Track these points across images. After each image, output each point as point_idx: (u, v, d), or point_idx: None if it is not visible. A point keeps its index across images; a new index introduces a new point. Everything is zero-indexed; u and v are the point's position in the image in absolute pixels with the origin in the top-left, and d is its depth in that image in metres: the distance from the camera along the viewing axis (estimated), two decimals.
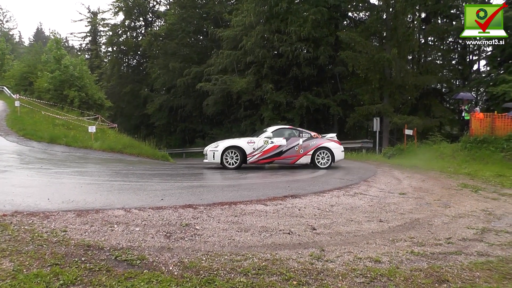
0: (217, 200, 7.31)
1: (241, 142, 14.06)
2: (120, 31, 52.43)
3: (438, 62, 34.79)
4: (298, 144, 14.43)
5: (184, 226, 5.61)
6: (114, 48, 53.38)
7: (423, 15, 33.24)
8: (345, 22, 35.76)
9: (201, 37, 45.21)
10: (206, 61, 37.63)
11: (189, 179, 11.22)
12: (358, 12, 35.53)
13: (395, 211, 7.51)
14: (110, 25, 54.01)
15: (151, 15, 52.60)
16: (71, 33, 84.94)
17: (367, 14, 33.79)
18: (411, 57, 32.67)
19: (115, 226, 5.53)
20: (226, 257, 4.56)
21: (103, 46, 59.50)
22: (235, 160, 13.76)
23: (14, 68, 44.52)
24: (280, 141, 14.30)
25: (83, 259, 4.37)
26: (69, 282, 3.83)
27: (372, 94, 29.04)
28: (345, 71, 30.53)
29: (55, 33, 49.16)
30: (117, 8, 50.52)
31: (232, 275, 4.11)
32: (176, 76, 39.91)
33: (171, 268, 4.21)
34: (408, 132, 21.27)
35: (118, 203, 6.78)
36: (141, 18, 52.51)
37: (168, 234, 5.27)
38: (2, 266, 4.14)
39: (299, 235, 5.60)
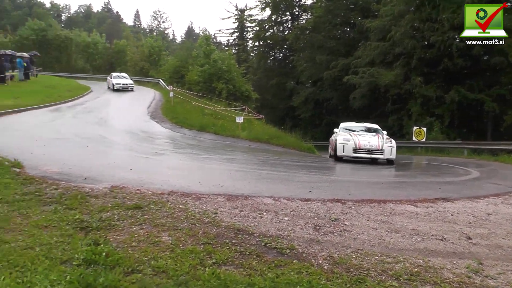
0: (366, 196, 7.08)
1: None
2: (267, 26, 53.83)
3: None
4: None
5: (333, 221, 5.52)
6: (261, 43, 55.04)
7: None
8: None
9: (348, 29, 44.52)
10: (353, 53, 36.93)
11: (335, 173, 11.15)
12: None
13: None
14: (257, 20, 55.77)
15: (297, 9, 53.11)
16: (219, 30, 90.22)
17: None
18: None
19: (264, 213, 5.66)
20: (377, 258, 4.37)
21: (250, 41, 61.65)
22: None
23: (169, 63, 49.09)
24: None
25: (233, 241, 4.54)
26: (221, 261, 4.01)
27: None
28: (504, 62, 27.30)
29: (204, 31, 52.53)
30: (264, 4, 51.91)
31: (383, 277, 3.93)
32: (322, 69, 39.82)
33: (320, 261, 4.16)
34: None
35: (266, 191, 6.94)
36: (287, 13, 53.29)
37: (317, 227, 5.23)
38: (162, 239, 4.50)
39: (453, 242, 5.14)
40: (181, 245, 4.36)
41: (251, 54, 60.68)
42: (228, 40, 66.00)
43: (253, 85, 42.47)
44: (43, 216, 5.08)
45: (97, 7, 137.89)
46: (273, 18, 53.17)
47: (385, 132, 15.50)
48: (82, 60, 62.55)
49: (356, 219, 5.69)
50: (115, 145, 13.03)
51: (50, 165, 8.29)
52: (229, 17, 60.80)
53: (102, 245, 4.15)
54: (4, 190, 6.08)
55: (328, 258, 4.25)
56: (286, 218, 5.49)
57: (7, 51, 36.03)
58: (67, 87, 33.88)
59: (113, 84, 36.10)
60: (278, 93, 48.96)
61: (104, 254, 3.90)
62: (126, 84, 36.13)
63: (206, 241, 4.50)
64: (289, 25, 53.15)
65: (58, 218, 5.00)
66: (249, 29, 61.01)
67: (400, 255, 4.50)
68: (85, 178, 7.26)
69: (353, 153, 13.51)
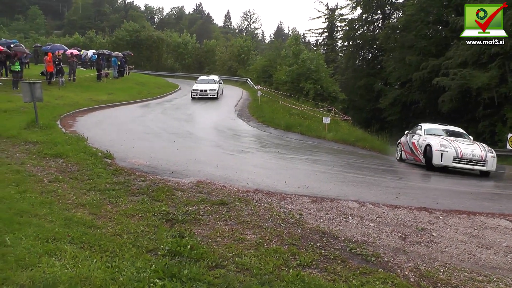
0: (454, 207, 6.75)
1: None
2: (357, 26, 52.80)
3: None
4: None
5: (419, 230, 5.34)
6: (350, 42, 54.02)
7: None
8: None
9: (440, 28, 42.48)
10: (445, 54, 35.24)
11: (422, 179, 10.74)
12: None
13: None
14: (347, 20, 54.76)
15: (388, 7, 51.60)
16: (309, 30, 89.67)
17: None
18: None
19: (350, 218, 5.59)
20: (466, 274, 4.15)
21: (339, 41, 60.77)
22: None
23: (257, 62, 49.89)
24: None
25: (318, 244, 4.55)
26: (305, 264, 4.04)
27: None
28: None
29: (294, 30, 52.41)
30: (355, 3, 50.97)
31: None
32: (412, 70, 38.38)
33: (406, 272, 4.04)
34: None
35: (352, 195, 6.87)
36: (378, 11, 51.94)
37: (403, 236, 5.09)
38: (247, 237, 4.61)
39: None
40: (265, 244, 4.43)
41: (340, 54, 59.92)
42: (317, 40, 65.21)
43: (340, 85, 41.95)
44: (131, 205, 5.42)
45: (189, 9, 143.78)
46: (363, 17, 52.04)
47: (471, 138, 13.80)
48: (172, 59, 65.28)
49: (443, 231, 5.46)
50: (201, 141, 13.43)
51: (139, 157, 8.78)
52: (319, 17, 60.10)
53: (187, 238, 4.35)
54: (97, 179, 6.57)
55: (415, 270, 4.12)
56: (372, 224, 5.39)
57: (104, 51, 38.64)
58: (156, 85, 35.52)
59: (191, 90, 29.61)
60: (366, 94, 47.84)
61: (188, 247, 4.10)
62: (205, 91, 28.70)
63: (291, 242, 4.54)
64: (380, 24, 51.71)
65: (145, 208, 5.32)
66: (338, 28, 60.21)
67: (492, 274, 4.22)
68: (172, 172, 7.60)
69: (453, 162, 11.56)
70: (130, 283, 3.32)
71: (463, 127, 33.00)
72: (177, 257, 3.91)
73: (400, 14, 48.31)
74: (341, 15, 57.07)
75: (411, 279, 3.89)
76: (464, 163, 11.46)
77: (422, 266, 4.21)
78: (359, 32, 52.46)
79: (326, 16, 59.32)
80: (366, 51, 53.73)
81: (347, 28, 54.17)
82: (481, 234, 5.50)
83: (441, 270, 4.17)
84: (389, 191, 7.66)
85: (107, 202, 5.54)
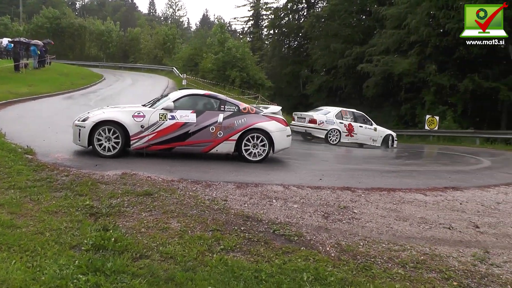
0: (376, 185, 7.09)
1: (122, 115, 8.59)
2: (282, 14, 53.46)
3: None
4: (217, 122, 8.81)
5: (342, 208, 5.54)
6: (276, 31, 54.66)
7: None
8: None
9: (363, 17, 43.95)
10: (368, 42, 36.56)
11: (350, 162, 11.09)
12: None
13: None
14: (272, 8, 55.39)
15: None
16: (234, 18, 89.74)
17: None
18: None
19: (274, 201, 5.69)
20: (384, 245, 4.41)
21: (265, 29, 61.35)
22: (114, 144, 8.34)
23: (183, 51, 49.25)
24: (186, 116, 8.77)
25: (242, 228, 4.60)
26: (229, 248, 4.08)
27: None
28: None
29: (219, 19, 52.25)
30: None
31: (390, 264, 3.97)
32: (337, 57, 39.48)
33: (328, 248, 4.19)
34: None
35: (276, 179, 6.97)
36: (303, 0, 52.87)
37: (325, 215, 5.26)
38: (171, 225, 4.57)
39: (460, 231, 5.16)
40: (189, 232, 4.41)
41: (266, 42, 60.43)
42: (243, 28, 65.52)
43: (267, 73, 42.37)
44: (54, 202, 5.17)
45: None
46: (288, 6, 52.74)
47: (165, 106, 8.80)
48: (95, 48, 63.13)
49: (365, 207, 5.72)
50: None
51: (62, 152, 8.37)
52: (244, 5, 60.42)
53: (111, 231, 4.24)
54: (16, 176, 6.19)
55: (336, 245, 4.29)
56: (296, 206, 5.52)
57: (22, 39, 36.32)
58: (80, 75, 33.99)
59: None
60: (292, 81, 48.71)
61: (113, 239, 3.99)
62: None
63: (215, 227, 4.55)
64: (305, 13, 52.65)
65: (68, 204, 5.09)
66: (264, 17, 60.72)
67: (407, 243, 4.54)
68: (96, 165, 7.33)
69: None
70: (53, 281, 3.18)
71: (387, 110, 34.48)
72: (101, 251, 3.80)
73: (324, 3, 49.40)
74: (266, 3, 57.42)
75: (332, 254, 4.04)
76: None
77: (343, 242, 4.39)
78: (284, 21, 53.11)
79: (252, 5, 59.49)
80: (292, 39, 54.52)
81: (273, 16, 54.70)
82: (399, 208, 5.85)
83: (361, 244, 4.38)
84: (314, 174, 7.85)
85: (28, 200, 5.25)
